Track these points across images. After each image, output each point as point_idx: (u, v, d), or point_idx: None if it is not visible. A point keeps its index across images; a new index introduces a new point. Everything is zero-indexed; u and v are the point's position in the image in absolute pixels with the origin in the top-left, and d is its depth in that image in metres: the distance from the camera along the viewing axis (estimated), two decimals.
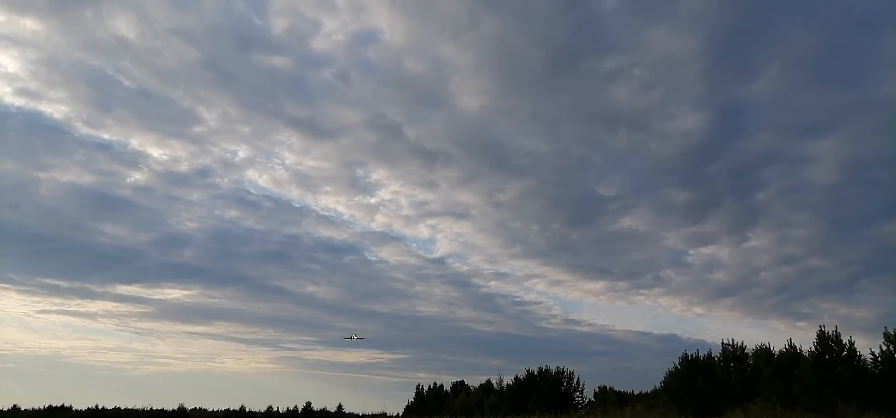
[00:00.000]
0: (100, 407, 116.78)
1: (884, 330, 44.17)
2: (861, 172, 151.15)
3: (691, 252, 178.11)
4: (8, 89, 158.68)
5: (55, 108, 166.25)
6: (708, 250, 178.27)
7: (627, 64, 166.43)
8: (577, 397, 69.69)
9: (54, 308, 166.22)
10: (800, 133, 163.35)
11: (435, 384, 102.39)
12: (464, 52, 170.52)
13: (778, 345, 51.40)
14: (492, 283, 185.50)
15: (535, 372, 71.83)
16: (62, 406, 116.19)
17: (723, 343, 54.70)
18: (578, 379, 70.04)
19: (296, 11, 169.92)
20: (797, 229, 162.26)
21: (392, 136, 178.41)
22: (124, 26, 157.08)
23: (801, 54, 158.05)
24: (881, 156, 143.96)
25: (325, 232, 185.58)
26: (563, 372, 70.19)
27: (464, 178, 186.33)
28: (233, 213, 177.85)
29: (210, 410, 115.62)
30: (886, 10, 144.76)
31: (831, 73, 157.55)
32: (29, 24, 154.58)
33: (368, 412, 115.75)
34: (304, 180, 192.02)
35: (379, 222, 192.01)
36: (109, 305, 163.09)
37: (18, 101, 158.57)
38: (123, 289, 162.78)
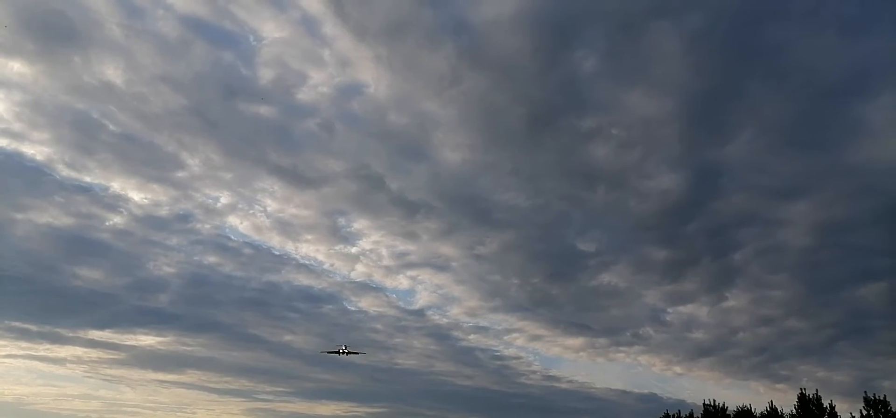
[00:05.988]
0: None
1: (864, 394, 45.17)
2: (834, 236, 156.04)
3: (670, 310, 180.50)
4: None
5: (37, 150, 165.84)
6: (686, 309, 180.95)
7: (606, 123, 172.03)
8: None
9: (21, 352, 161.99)
10: (773, 196, 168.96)
11: None
12: (446, 108, 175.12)
13: (759, 407, 52.63)
14: (472, 337, 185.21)
15: None
16: None
17: (704, 403, 55.26)
18: None
19: (283, 63, 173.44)
20: (774, 290, 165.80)
21: (374, 187, 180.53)
22: (112, 72, 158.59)
23: (772, 120, 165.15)
24: (852, 221, 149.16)
25: (305, 280, 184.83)
26: None
27: (445, 230, 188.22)
28: (212, 259, 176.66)
29: None
30: (851, 81, 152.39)
31: (801, 139, 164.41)
32: (16, 67, 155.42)
33: None
34: (285, 228, 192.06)
35: (359, 272, 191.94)
36: (79, 351, 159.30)
37: (0, 142, 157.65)
38: (95, 334, 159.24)
